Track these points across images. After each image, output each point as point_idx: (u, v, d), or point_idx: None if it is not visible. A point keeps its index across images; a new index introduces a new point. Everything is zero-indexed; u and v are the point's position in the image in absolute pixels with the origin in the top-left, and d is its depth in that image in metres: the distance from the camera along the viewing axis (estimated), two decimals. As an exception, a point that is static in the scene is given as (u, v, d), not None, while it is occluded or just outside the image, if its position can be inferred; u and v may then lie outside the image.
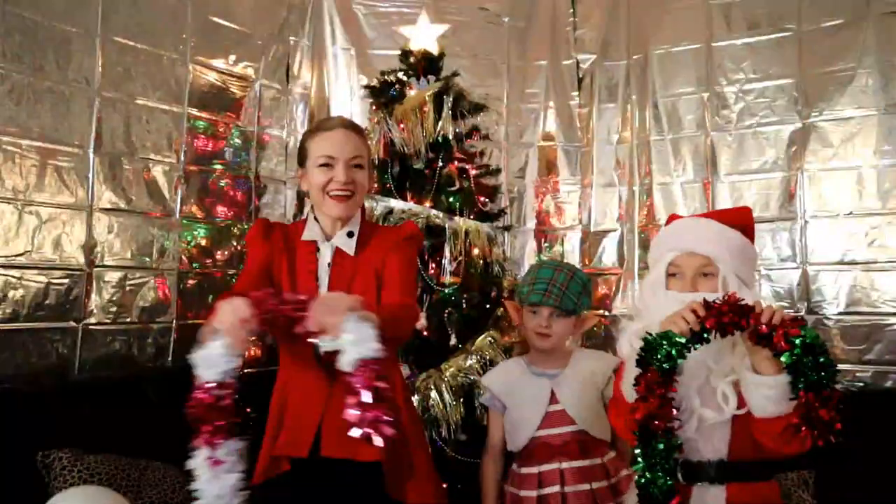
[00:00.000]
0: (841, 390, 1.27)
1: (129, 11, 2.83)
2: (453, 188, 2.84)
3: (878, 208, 3.02)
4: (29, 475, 2.08)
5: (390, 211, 2.75)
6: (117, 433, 2.31)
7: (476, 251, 2.79)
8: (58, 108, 2.60)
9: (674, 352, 1.32)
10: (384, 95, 2.93)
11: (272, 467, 1.60)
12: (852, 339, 3.02)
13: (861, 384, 2.95)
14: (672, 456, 1.31)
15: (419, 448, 1.67)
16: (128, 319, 2.78)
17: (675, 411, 1.33)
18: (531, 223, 3.82)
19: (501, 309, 2.75)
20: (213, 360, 1.33)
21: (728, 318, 1.30)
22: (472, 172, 2.94)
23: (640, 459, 1.32)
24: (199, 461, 1.33)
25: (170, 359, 2.89)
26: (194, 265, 3.06)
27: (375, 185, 2.84)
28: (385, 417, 1.22)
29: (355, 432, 1.22)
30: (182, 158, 3.01)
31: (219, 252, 3.16)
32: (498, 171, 3.22)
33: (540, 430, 1.87)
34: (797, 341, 1.24)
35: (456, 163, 2.90)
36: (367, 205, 2.71)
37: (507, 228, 3.19)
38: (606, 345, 3.59)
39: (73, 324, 2.63)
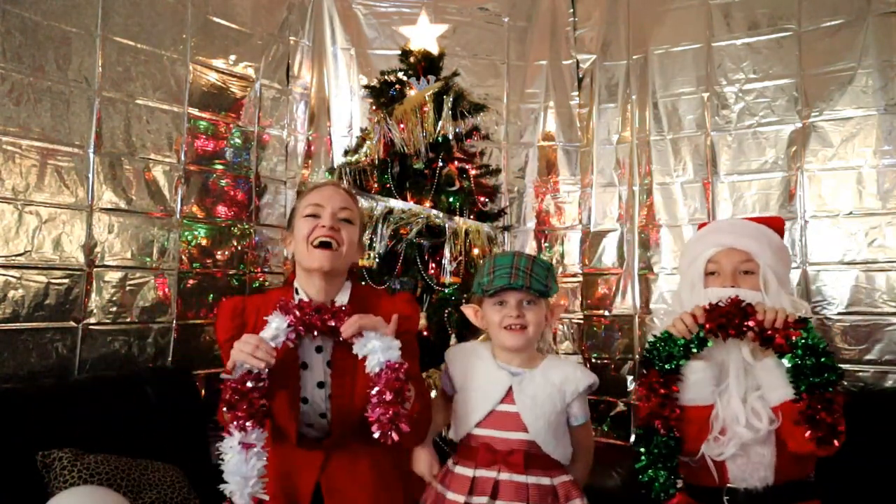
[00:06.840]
0: (842, 391, 1.27)
1: (129, 11, 2.83)
2: (453, 188, 2.84)
3: (878, 208, 3.01)
4: (29, 475, 2.08)
5: (390, 211, 2.75)
6: (117, 433, 2.32)
7: (476, 251, 2.79)
8: (58, 108, 2.61)
9: (674, 352, 1.34)
10: (384, 95, 2.93)
11: None
12: (853, 338, 3.02)
13: (861, 384, 2.95)
14: (674, 454, 1.34)
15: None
16: (128, 319, 2.78)
17: (676, 411, 1.36)
18: (531, 223, 3.82)
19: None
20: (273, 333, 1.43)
21: (726, 320, 1.30)
22: (472, 172, 2.94)
23: (642, 457, 1.35)
24: (229, 445, 1.35)
25: (170, 359, 2.89)
26: (194, 265, 3.06)
27: (375, 185, 2.84)
28: (402, 415, 1.34)
29: (375, 432, 1.33)
30: (182, 158, 3.02)
31: (219, 252, 3.16)
32: (498, 171, 3.22)
33: (484, 428, 1.63)
34: (799, 343, 1.23)
35: (456, 163, 2.90)
36: (366, 205, 2.71)
37: (507, 228, 3.19)
38: (606, 345, 3.60)
39: (73, 324, 2.63)
